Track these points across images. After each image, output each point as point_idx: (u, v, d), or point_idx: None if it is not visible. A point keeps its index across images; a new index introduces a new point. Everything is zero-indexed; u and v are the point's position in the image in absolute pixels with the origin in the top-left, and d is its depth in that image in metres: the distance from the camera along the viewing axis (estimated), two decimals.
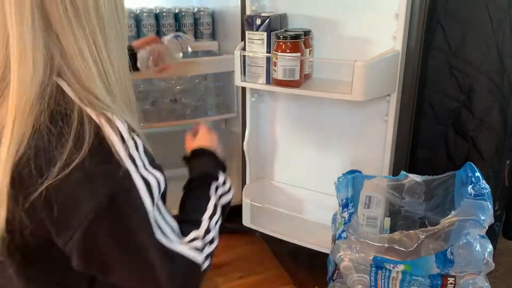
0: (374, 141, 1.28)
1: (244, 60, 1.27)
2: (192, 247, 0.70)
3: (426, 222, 1.13)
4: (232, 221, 1.61)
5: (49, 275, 0.69)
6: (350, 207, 1.09)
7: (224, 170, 0.91)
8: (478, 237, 0.90)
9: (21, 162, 0.59)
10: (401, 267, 0.94)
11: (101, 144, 0.59)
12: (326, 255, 1.17)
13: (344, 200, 1.12)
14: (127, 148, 0.61)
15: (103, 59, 0.65)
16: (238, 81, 1.31)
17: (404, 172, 1.14)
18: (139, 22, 1.56)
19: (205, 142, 0.92)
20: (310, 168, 1.47)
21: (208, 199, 0.81)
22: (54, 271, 0.68)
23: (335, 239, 1.08)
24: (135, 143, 0.63)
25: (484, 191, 0.95)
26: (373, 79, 1.12)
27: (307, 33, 1.24)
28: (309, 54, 1.25)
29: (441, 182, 1.11)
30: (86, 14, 0.63)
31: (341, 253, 0.98)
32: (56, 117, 0.60)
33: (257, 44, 1.23)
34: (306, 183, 1.49)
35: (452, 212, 0.94)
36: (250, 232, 1.56)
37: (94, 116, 0.60)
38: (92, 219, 0.59)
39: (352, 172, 1.23)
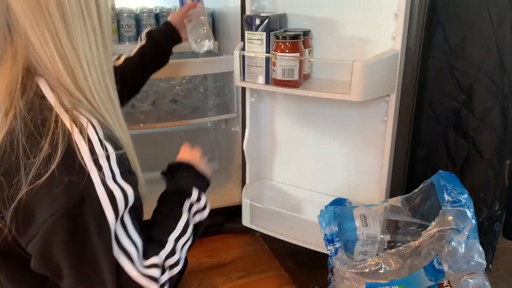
0: (373, 141, 1.28)
1: (244, 60, 1.26)
2: (148, 275, 0.66)
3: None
4: (232, 221, 1.62)
5: (28, 275, 0.68)
6: (335, 242, 1.08)
7: (206, 184, 0.87)
8: (462, 241, 0.89)
9: None
10: None
11: (69, 153, 0.59)
12: (326, 255, 1.16)
13: (328, 235, 1.11)
14: (96, 158, 0.60)
15: (68, 52, 0.62)
16: (237, 81, 1.31)
17: (383, 200, 1.17)
18: (139, 22, 1.56)
19: (185, 157, 0.89)
20: (310, 168, 1.47)
21: (179, 217, 0.77)
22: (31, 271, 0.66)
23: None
24: (107, 153, 0.61)
25: (461, 196, 0.94)
26: (372, 79, 1.11)
27: (306, 33, 1.24)
28: (309, 54, 1.25)
29: (421, 193, 1.11)
30: (46, 4, 0.60)
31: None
32: (33, 124, 0.59)
33: (256, 44, 1.23)
34: (306, 183, 1.49)
35: (432, 222, 0.94)
36: (250, 232, 1.56)
37: (67, 123, 0.59)
38: (49, 225, 0.58)
39: (337, 201, 1.22)
